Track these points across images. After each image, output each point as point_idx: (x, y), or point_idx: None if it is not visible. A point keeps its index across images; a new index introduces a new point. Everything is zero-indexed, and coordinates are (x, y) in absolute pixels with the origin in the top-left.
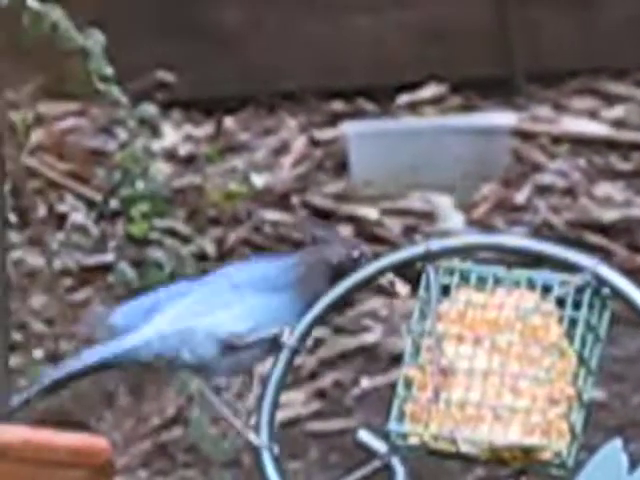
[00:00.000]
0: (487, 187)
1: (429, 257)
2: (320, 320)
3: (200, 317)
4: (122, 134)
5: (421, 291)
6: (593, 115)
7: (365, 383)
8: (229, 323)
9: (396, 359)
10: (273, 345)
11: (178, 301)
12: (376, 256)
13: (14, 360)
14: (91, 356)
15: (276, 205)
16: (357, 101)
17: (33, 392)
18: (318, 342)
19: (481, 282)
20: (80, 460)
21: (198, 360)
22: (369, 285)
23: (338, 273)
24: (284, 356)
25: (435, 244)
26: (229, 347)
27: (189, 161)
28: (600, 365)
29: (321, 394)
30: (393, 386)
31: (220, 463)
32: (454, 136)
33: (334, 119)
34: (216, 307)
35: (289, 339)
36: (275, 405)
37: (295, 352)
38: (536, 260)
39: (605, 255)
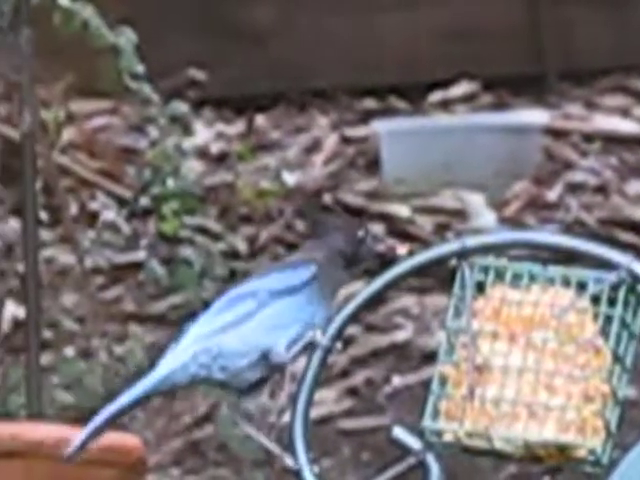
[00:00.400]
0: (519, 185)
1: (464, 254)
2: (353, 318)
3: (225, 330)
4: (153, 132)
5: (456, 288)
6: (625, 113)
7: (396, 381)
8: (254, 332)
9: (428, 357)
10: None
11: (201, 318)
12: (410, 253)
13: (45, 358)
14: (135, 390)
15: (308, 203)
16: (389, 99)
17: (88, 433)
18: (350, 340)
19: (516, 279)
20: (112, 458)
21: (229, 375)
22: (402, 282)
23: (352, 259)
24: (317, 356)
25: (470, 241)
26: (274, 367)
27: (221, 159)
28: (634, 363)
29: (353, 392)
30: (425, 384)
31: (251, 462)
32: (486, 134)
33: (366, 117)
34: (239, 319)
35: (322, 339)
36: (309, 404)
37: (328, 351)
38: (569, 257)
39: (636, 253)
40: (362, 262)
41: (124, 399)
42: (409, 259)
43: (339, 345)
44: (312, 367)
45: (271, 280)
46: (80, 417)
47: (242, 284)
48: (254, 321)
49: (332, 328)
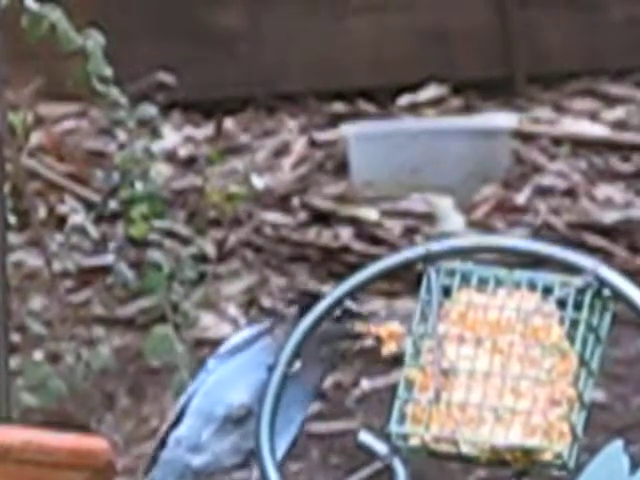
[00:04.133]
0: (487, 188)
1: (429, 258)
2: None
3: (184, 414)
4: (122, 135)
5: (422, 292)
6: (593, 116)
7: (365, 384)
8: (205, 401)
9: (396, 361)
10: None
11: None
12: (376, 258)
13: (13, 361)
14: None
15: (276, 206)
16: (357, 102)
17: None
18: None
19: (482, 283)
20: (81, 461)
21: (205, 450)
22: (367, 288)
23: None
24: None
25: (435, 245)
26: (235, 421)
27: (189, 162)
28: (601, 366)
29: (322, 395)
30: (393, 387)
31: None
32: (454, 137)
33: (334, 120)
34: (191, 395)
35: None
36: (276, 406)
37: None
38: (536, 261)
39: (605, 256)
40: (334, 340)
41: None
42: (375, 263)
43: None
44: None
45: (222, 350)
46: (49, 421)
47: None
48: (201, 392)
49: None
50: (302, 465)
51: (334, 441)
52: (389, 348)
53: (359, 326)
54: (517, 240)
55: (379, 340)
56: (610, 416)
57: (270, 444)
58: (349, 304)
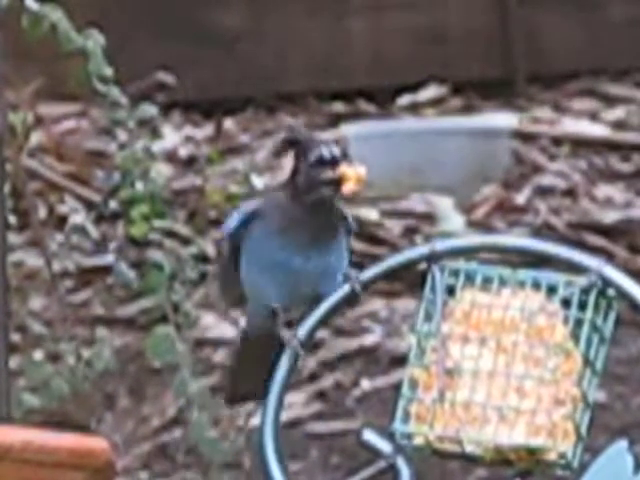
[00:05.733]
0: (487, 188)
1: (434, 257)
2: (324, 322)
3: None
4: (122, 135)
5: (426, 291)
6: (593, 116)
7: (365, 384)
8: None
9: (396, 360)
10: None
11: None
12: (376, 258)
13: (14, 361)
14: None
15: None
16: (357, 102)
17: None
18: (318, 343)
19: (486, 283)
20: (80, 461)
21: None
22: (372, 286)
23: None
24: (287, 357)
25: (440, 245)
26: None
27: (189, 162)
28: (605, 366)
29: (321, 395)
30: (394, 387)
31: (220, 464)
32: (454, 137)
33: (334, 120)
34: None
35: (291, 341)
36: (280, 405)
37: (298, 355)
38: (540, 261)
39: (605, 256)
40: (313, 189)
41: None
42: (379, 263)
43: (309, 347)
44: (282, 369)
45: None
46: (49, 421)
47: None
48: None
49: (303, 331)
50: (302, 465)
51: (334, 441)
52: (348, 187)
53: (332, 172)
54: (521, 239)
55: (342, 180)
56: (611, 416)
57: (275, 444)
58: (324, 150)
